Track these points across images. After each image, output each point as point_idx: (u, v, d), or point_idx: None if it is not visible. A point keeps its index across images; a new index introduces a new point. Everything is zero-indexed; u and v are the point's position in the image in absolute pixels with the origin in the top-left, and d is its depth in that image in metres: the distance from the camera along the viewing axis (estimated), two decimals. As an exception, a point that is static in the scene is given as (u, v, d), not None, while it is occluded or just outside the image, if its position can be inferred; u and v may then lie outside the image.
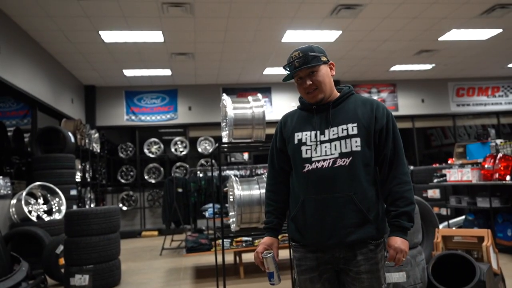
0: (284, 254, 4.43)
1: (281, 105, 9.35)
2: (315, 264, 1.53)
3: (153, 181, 8.91)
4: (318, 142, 1.52)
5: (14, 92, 5.50)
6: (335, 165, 1.48)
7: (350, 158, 1.48)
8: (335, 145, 1.50)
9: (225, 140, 3.27)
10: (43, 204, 5.15)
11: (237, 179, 3.34)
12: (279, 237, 4.22)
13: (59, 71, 7.20)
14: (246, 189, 3.24)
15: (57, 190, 5.20)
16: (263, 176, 3.46)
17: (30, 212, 4.84)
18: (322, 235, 1.48)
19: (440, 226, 4.57)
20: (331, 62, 1.62)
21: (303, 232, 1.53)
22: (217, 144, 3.18)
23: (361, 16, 5.91)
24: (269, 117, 6.61)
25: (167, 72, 8.18)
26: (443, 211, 5.95)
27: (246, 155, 8.71)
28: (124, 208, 8.74)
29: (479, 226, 4.96)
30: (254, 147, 3.43)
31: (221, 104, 3.37)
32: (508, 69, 9.68)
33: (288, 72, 1.58)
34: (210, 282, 4.13)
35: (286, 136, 1.62)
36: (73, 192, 5.65)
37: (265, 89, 9.46)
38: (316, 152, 1.52)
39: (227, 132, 3.19)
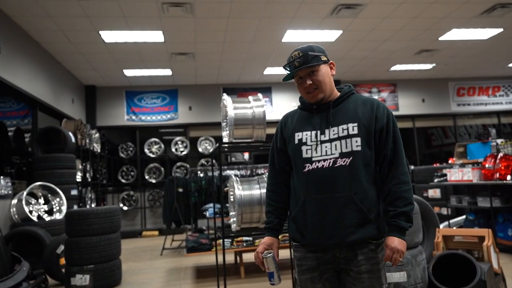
0: (284, 254, 4.43)
1: (282, 105, 9.35)
2: (316, 264, 1.53)
3: (153, 181, 8.91)
4: (319, 142, 1.52)
5: (14, 92, 5.50)
6: (336, 165, 1.48)
7: (351, 158, 1.48)
8: (336, 145, 1.50)
9: (225, 140, 3.27)
10: (43, 204, 5.15)
11: (237, 179, 3.34)
12: (280, 236, 4.23)
13: (59, 71, 7.20)
14: (247, 189, 3.24)
15: (58, 190, 5.21)
16: (264, 176, 3.46)
17: (31, 212, 4.85)
18: (323, 235, 1.48)
19: (441, 226, 4.56)
20: (331, 61, 1.61)
21: (304, 232, 1.53)
22: (217, 144, 3.18)
23: (362, 16, 5.90)
24: (269, 117, 6.59)
25: (167, 72, 8.18)
26: (444, 211, 5.95)
27: (246, 155, 8.71)
28: (125, 208, 8.75)
29: (480, 226, 4.95)
30: (254, 147, 3.42)
31: (222, 104, 3.37)
32: (509, 69, 9.67)
33: (288, 72, 1.58)
34: (211, 282, 4.13)
35: (286, 136, 1.62)
36: (74, 192, 5.65)
37: (266, 89, 9.46)
38: (316, 152, 1.52)
39: (228, 132, 3.19)
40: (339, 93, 1.62)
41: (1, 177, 4.80)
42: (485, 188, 4.93)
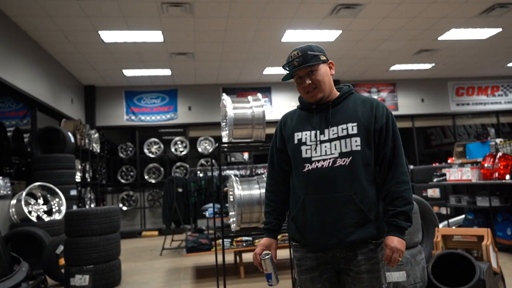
0: (284, 253, 4.44)
1: (281, 105, 9.35)
2: (316, 264, 1.53)
3: (153, 181, 8.91)
4: (318, 142, 1.52)
5: (13, 92, 5.50)
6: (335, 165, 1.48)
7: (350, 158, 1.48)
8: (335, 144, 1.50)
9: (225, 140, 3.27)
10: (43, 204, 5.15)
11: (237, 179, 3.34)
12: (279, 236, 4.23)
13: (58, 71, 7.20)
14: (246, 189, 3.24)
15: (57, 190, 5.20)
16: (263, 175, 3.46)
17: (30, 212, 4.84)
18: (323, 235, 1.48)
19: (440, 225, 4.57)
20: (330, 61, 1.61)
21: (304, 232, 1.53)
22: (217, 144, 3.18)
23: (361, 16, 5.91)
24: (269, 116, 6.60)
25: (167, 72, 8.17)
26: (443, 210, 5.96)
27: (246, 155, 8.71)
28: (124, 208, 8.75)
29: (479, 225, 4.96)
30: (254, 147, 3.43)
31: (221, 104, 3.37)
32: (508, 69, 9.68)
33: (288, 72, 1.58)
34: (211, 282, 4.13)
35: (286, 136, 1.62)
36: (73, 192, 5.65)
37: (265, 88, 9.46)
38: (316, 152, 1.51)
39: (227, 132, 3.19)
40: (338, 93, 1.62)
41: (0, 177, 4.80)
42: (484, 187, 4.94)
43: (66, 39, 6.16)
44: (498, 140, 5.32)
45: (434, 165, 7.29)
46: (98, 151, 7.88)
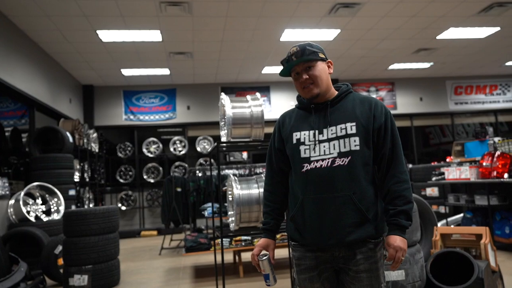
0: (283, 253, 4.44)
1: (280, 104, 9.35)
2: (314, 264, 1.53)
3: (152, 180, 8.90)
4: (317, 142, 1.52)
5: (11, 92, 5.48)
6: (334, 165, 1.47)
7: (349, 158, 1.47)
8: (334, 144, 1.50)
9: (223, 139, 3.27)
10: (41, 204, 5.14)
11: (236, 178, 3.34)
12: (278, 236, 4.23)
13: (57, 70, 7.18)
14: (245, 188, 3.24)
15: (56, 190, 5.19)
16: (262, 175, 3.46)
17: (28, 212, 4.83)
18: (322, 235, 1.48)
19: (439, 224, 4.58)
20: (329, 60, 1.61)
21: (302, 232, 1.53)
22: (215, 144, 3.18)
23: (360, 15, 5.91)
24: (267, 116, 6.61)
25: (165, 71, 8.16)
26: (442, 209, 5.97)
27: (245, 154, 8.72)
28: (123, 208, 8.74)
29: (477, 224, 4.97)
30: (252, 146, 3.42)
31: (220, 103, 3.36)
32: (506, 67, 9.70)
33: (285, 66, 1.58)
34: (210, 281, 4.13)
35: (284, 136, 1.62)
36: (72, 192, 5.64)
37: (264, 88, 9.46)
38: (314, 152, 1.51)
39: (226, 131, 3.19)
40: (336, 92, 1.61)
41: (-1, 177, 4.79)
42: (483, 186, 4.95)
43: (64, 38, 6.14)
44: (496, 139, 5.33)
45: (432, 164, 7.30)
46: (97, 150, 7.87)
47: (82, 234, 3.88)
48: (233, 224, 3.27)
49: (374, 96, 9.68)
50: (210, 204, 4.64)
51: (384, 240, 1.56)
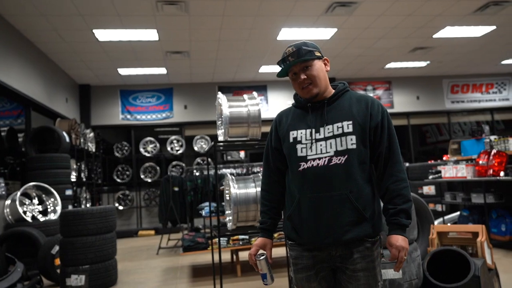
0: (280, 252, 4.45)
1: (277, 103, 9.35)
2: (312, 263, 1.53)
3: (149, 180, 8.89)
4: (314, 141, 1.52)
5: (7, 91, 5.45)
6: (331, 164, 1.47)
7: (346, 156, 1.47)
8: (331, 143, 1.50)
9: (220, 138, 3.26)
10: (38, 204, 5.12)
11: (233, 177, 3.34)
12: (276, 235, 4.24)
13: (53, 70, 7.15)
14: (242, 188, 3.24)
15: (52, 190, 5.17)
16: (259, 174, 3.46)
17: (25, 212, 4.81)
18: (318, 233, 1.48)
19: (435, 222, 4.60)
20: (325, 57, 1.61)
21: (299, 231, 1.53)
22: (212, 143, 3.18)
23: (356, 14, 5.91)
24: (264, 115, 6.57)
25: (162, 70, 8.14)
26: (438, 207, 5.99)
27: (242, 153, 8.71)
28: (120, 207, 8.71)
29: (474, 222, 5.00)
30: (250, 146, 3.42)
31: (217, 103, 3.36)
32: (502, 66, 9.75)
33: (282, 68, 1.58)
34: (207, 280, 4.13)
35: (281, 135, 1.62)
36: (69, 192, 5.62)
37: (261, 87, 9.46)
38: (311, 151, 1.51)
39: (223, 130, 3.19)
40: (333, 90, 1.61)
41: (-5, 177, 4.76)
42: (479, 184, 4.97)
43: (61, 38, 6.11)
44: (492, 137, 5.36)
45: (429, 162, 7.32)
46: (94, 150, 7.84)
47: (79, 234, 3.87)
48: (230, 223, 3.27)
49: (371, 95, 9.71)
50: (207, 204, 4.64)
51: (381, 238, 1.57)
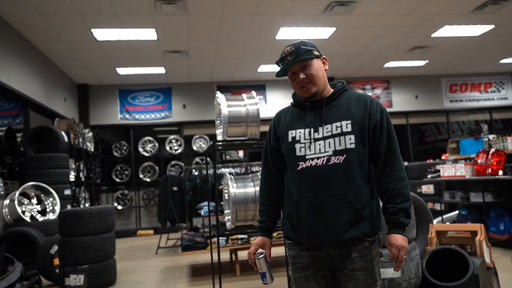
0: (279, 251, 4.45)
1: (276, 103, 9.35)
2: (310, 262, 1.53)
3: (148, 179, 8.88)
4: (312, 140, 1.52)
5: (6, 91, 5.44)
6: (329, 163, 1.47)
7: (344, 156, 1.47)
8: (329, 142, 1.50)
9: (219, 138, 3.26)
10: (36, 204, 5.11)
11: (231, 177, 3.34)
12: (275, 234, 4.24)
13: (51, 70, 7.13)
14: (241, 187, 3.24)
15: (51, 190, 5.16)
16: (258, 173, 3.46)
17: (23, 212, 4.80)
18: (317, 233, 1.48)
19: (434, 221, 4.60)
20: (323, 56, 1.61)
21: (298, 230, 1.53)
22: (211, 142, 3.17)
23: (355, 13, 5.91)
24: (263, 114, 6.55)
25: (161, 70, 8.13)
26: (437, 206, 6.00)
27: (241, 153, 8.72)
28: (119, 207, 8.71)
29: (473, 221, 5.01)
30: (248, 145, 3.42)
31: (215, 102, 3.36)
32: (501, 65, 9.76)
33: (281, 67, 1.57)
34: (206, 280, 4.13)
35: (280, 134, 1.62)
36: (67, 192, 5.61)
37: (260, 86, 9.45)
38: (310, 150, 1.51)
39: (222, 130, 3.18)
40: (332, 90, 1.61)
41: (-7, 177, 4.75)
42: (478, 183, 4.98)
43: (59, 37, 6.10)
44: (491, 136, 5.37)
45: (428, 161, 7.33)
46: (92, 150, 7.83)
47: (78, 233, 3.87)
48: (229, 222, 3.26)
49: (369, 94, 9.72)
50: (206, 203, 4.64)
51: (379, 238, 1.57)
